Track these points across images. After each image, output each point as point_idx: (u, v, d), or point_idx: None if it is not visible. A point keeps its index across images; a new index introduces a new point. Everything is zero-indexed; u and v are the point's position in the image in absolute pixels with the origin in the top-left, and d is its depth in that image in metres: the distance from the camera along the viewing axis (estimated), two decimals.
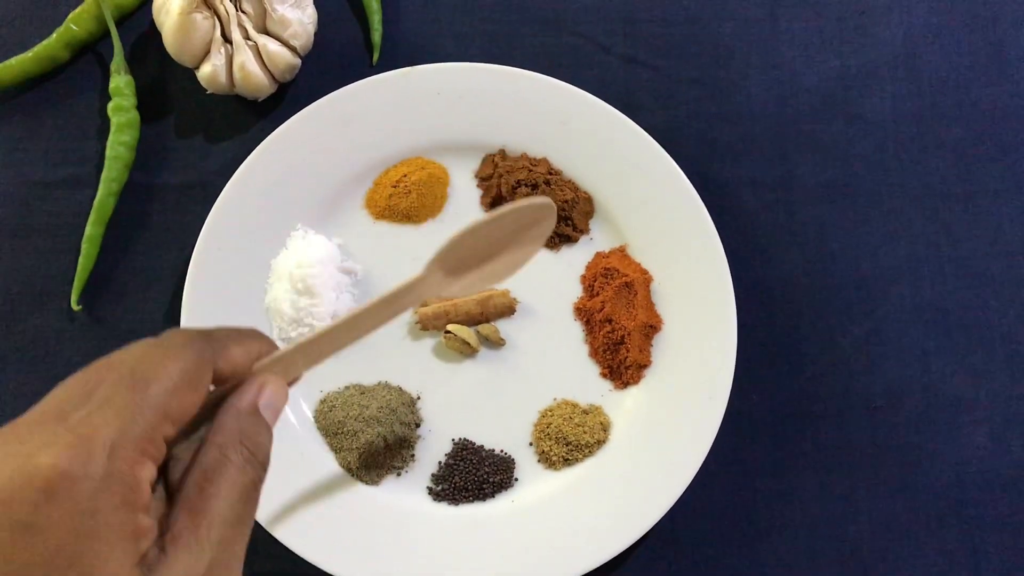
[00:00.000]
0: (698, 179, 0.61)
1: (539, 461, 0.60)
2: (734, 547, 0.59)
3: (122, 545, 0.27)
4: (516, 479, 0.59)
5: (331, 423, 0.59)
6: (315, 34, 0.64)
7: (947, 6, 0.68)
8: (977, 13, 0.68)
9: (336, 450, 0.59)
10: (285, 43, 0.62)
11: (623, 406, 0.60)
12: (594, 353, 0.61)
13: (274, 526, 0.55)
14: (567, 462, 0.59)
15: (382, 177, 0.63)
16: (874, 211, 0.65)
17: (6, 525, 0.25)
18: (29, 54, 0.64)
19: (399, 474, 0.59)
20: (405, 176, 0.62)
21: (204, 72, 0.61)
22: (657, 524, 0.56)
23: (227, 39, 0.61)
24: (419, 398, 0.61)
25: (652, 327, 0.60)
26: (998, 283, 0.63)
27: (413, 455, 0.59)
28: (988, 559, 0.59)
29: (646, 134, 0.61)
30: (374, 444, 0.57)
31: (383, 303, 0.37)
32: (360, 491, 0.58)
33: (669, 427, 0.58)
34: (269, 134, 0.61)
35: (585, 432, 0.59)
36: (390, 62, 0.65)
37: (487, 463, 0.59)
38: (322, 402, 0.60)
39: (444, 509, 0.58)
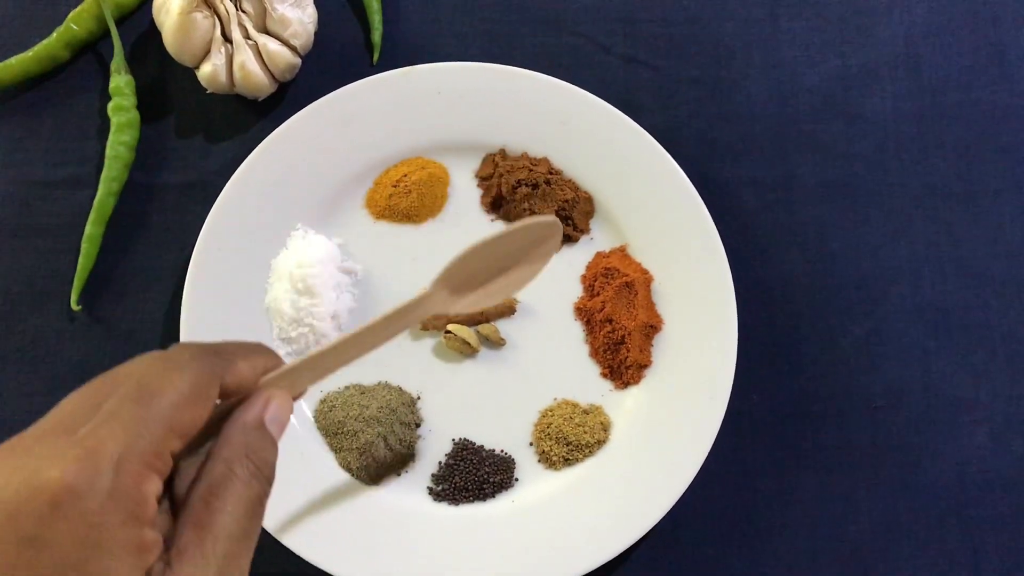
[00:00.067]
0: (698, 179, 0.61)
1: (539, 461, 0.60)
2: (734, 547, 0.59)
3: (128, 559, 0.27)
4: (516, 479, 0.59)
5: (331, 423, 0.59)
6: (315, 34, 0.64)
7: (947, 6, 0.68)
8: (978, 13, 0.68)
9: (336, 450, 0.59)
10: (285, 42, 0.62)
11: (623, 406, 0.60)
12: (594, 353, 0.61)
13: (274, 526, 0.55)
14: (567, 462, 0.59)
15: (382, 177, 0.63)
16: (874, 211, 0.65)
17: (13, 539, 0.25)
18: (29, 54, 0.64)
19: (399, 474, 0.59)
20: (405, 176, 0.62)
21: (204, 72, 0.61)
22: (657, 524, 0.56)
23: (227, 39, 0.61)
24: (419, 398, 0.61)
25: (652, 327, 0.60)
26: (999, 283, 0.63)
27: (413, 455, 0.59)
28: (988, 559, 0.59)
29: (647, 134, 0.61)
30: (374, 444, 0.57)
31: (388, 320, 0.37)
32: (360, 491, 0.58)
33: (669, 427, 0.58)
34: (269, 134, 0.61)
35: (585, 432, 0.59)
36: (390, 62, 0.65)
37: (487, 463, 0.59)
38: (322, 402, 0.60)
39: (444, 509, 0.58)
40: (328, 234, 0.62)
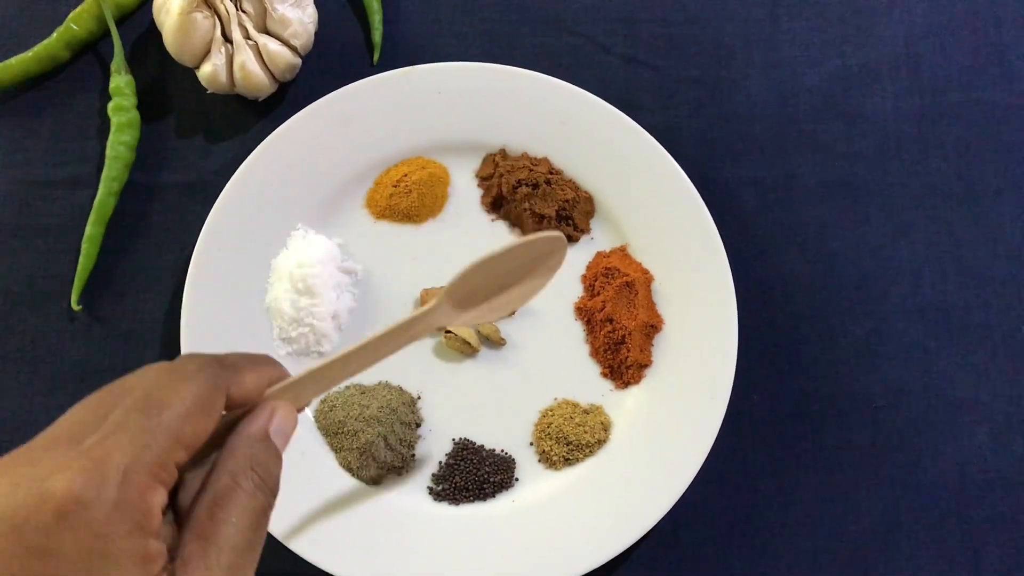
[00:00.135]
0: (699, 179, 0.61)
1: (540, 461, 0.60)
2: (734, 547, 0.59)
3: (133, 570, 0.27)
4: (516, 479, 0.59)
5: (331, 423, 0.59)
6: (315, 34, 0.64)
7: (947, 6, 0.68)
8: (978, 13, 0.68)
9: (336, 450, 0.59)
10: (285, 43, 0.62)
11: (624, 406, 0.60)
12: (595, 353, 0.61)
13: (274, 526, 0.55)
14: (568, 462, 0.59)
15: (383, 177, 0.63)
16: (875, 211, 0.65)
17: (20, 549, 0.26)
18: (29, 54, 0.64)
19: (399, 474, 0.59)
20: (406, 176, 0.62)
21: (204, 72, 0.61)
22: (657, 524, 0.56)
23: (227, 39, 0.61)
24: (419, 398, 0.61)
25: (653, 327, 0.60)
26: (999, 283, 0.63)
27: (413, 455, 0.59)
28: (988, 559, 0.59)
29: (647, 134, 0.61)
30: (374, 444, 0.57)
31: (391, 334, 0.37)
32: (360, 491, 0.58)
33: (670, 427, 0.58)
34: (269, 134, 0.61)
35: (586, 432, 0.59)
36: (390, 62, 0.65)
37: (487, 463, 0.59)
38: (322, 402, 0.60)
39: (444, 509, 0.58)
40: (328, 234, 0.62)
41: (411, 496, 0.59)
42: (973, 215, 0.65)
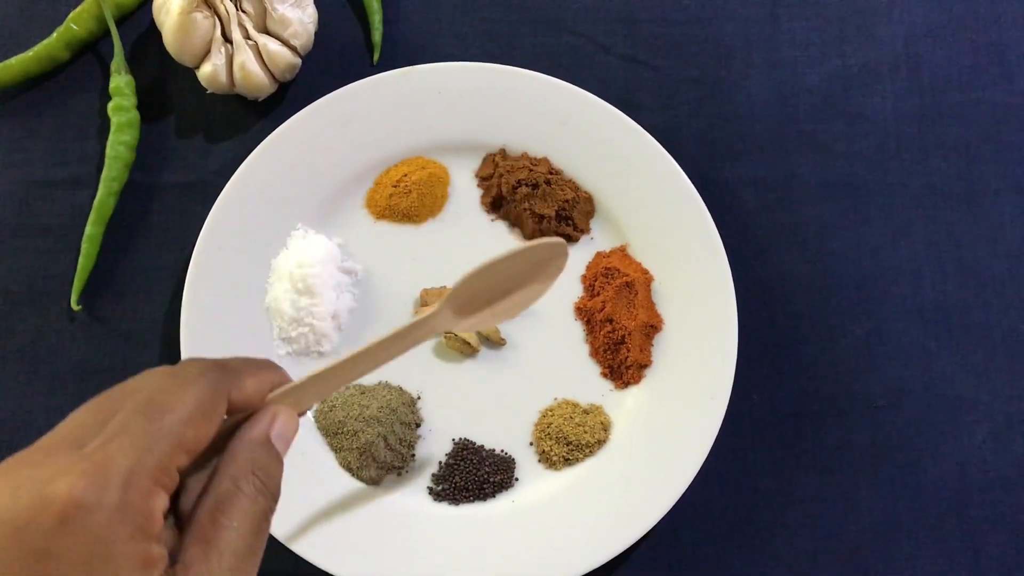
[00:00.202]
0: (698, 179, 0.61)
1: (539, 461, 0.60)
2: (734, 547, 0.59)
3: (134, 574, 0.27)
4: (516, 479, 0.59)
5: (331, 423, 0.59)
6: (315, 34, 0.64)
7: (947, 6, 0.68)
8: (978, 13, 0.68)
9: (336, 450, 0.59)
10: (285, 43, 0.62)
11: (624, 406, 0.60)
12: (595, 353, 0.61)
13: (274, 526, 0.55)
14: (568, 462, 0.59)
15: (382, 177, 0.63)
16: (875, 211, 0.65)
17: (21, 553, 0.26)
18: (29, 54, 0.64)
19: (399, 474, 0.59)
20: (406, 176, 0.62)
21: (204, 72, 0.61)
22: (657, 524, 0.56)
23: (227, 39, 0.61)
24: (419, 398, 0.61)
25: (653, 327, 0.60)
26: (999, 283, 0.63)
27: (413, 455, 0.59)
28: (988, 559, 0.59)
29: (647, 134, 0.61)
30: (374, 444, 0.57)
31: (393, 339, 0.37)
32: (360, 491, 0.58)
33: (670, 427, 0.58)
34: (269, 134, 0.61)
35: (586, 432, 0.59)
36: (390, 62, 0.65)
37: (487, 463, 0.59)
38: (322, 402, 0.60)
39: (444, 509, 0.58)
40: (328, 234, 0.62)
41: (411, 496, 0.59)
42: (973, 215, 0.65)
